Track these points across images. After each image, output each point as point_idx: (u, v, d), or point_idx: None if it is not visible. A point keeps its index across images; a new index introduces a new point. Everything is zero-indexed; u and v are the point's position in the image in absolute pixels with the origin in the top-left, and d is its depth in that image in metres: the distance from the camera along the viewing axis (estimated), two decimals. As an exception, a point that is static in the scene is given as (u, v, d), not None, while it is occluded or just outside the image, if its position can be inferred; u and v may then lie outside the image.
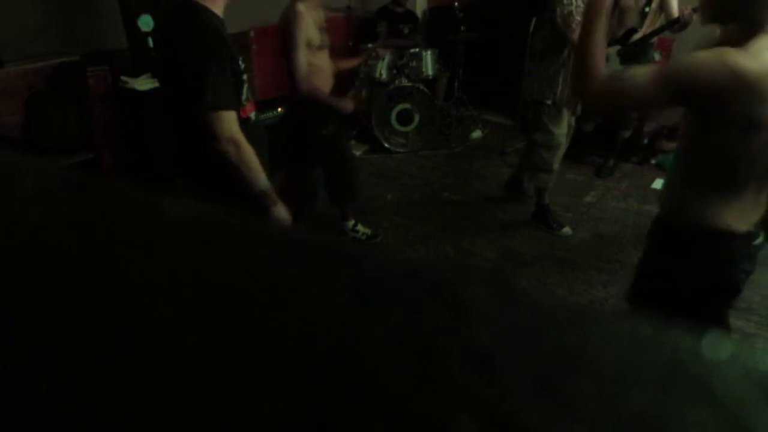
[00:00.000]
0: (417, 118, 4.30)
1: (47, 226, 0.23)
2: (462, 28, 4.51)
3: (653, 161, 4.09)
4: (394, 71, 4.23)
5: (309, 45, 2.39)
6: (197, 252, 0.22)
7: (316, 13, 2.46)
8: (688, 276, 1.38)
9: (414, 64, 4.25)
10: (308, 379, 0.16)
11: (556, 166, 3.04)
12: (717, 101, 1.19)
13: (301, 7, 2.36)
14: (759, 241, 1.37)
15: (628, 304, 1.63)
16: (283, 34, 2.40)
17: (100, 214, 0.24)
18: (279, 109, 3.83)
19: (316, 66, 2.45)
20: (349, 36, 4.61)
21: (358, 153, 4.33)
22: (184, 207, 0.24)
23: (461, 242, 3.08)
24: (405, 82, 4.20)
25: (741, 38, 1.18)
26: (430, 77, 4.36)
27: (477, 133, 4.69)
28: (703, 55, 1.19)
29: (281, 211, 1.71)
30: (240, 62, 1.65)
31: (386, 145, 4.31)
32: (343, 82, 2.70)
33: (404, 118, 4.29)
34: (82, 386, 0.16)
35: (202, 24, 1.56)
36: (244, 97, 1.67)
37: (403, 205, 3.51)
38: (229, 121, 1.57)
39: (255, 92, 4.09)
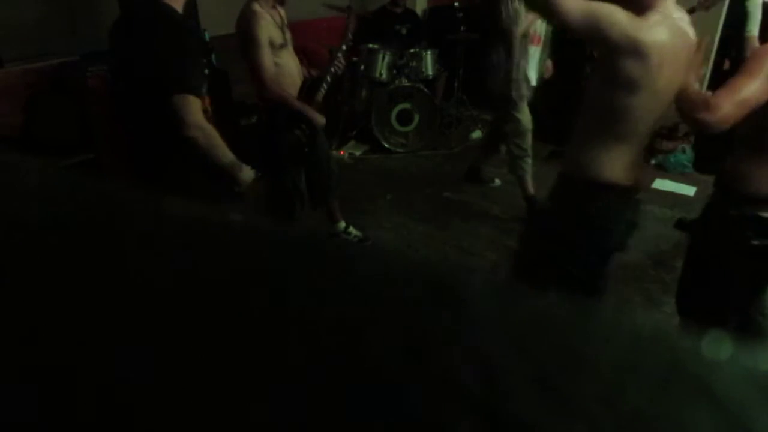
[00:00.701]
0: (417, 118, 4.29)
1: (47, 226, 0.23)
2: (462, 28, 4.51)
3: (653, 161, 4.10)
4: (394, 71, 4.23)
5: (271, 44, 2.32)
6: (197, 252, 0.22)
7: (275, 11, 2.39)
8: (579, 224, 1.55)
9: (414, 64, 4.25)
10: (308, 379, 0.16)
11: (530, 151, 3.30)
12: (609, 52, 1.38)
13: (256, 6, 2.28)
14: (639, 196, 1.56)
15: (521, 250, 1.81)
16: (243, 36, 2.31)
17: (100, 214, 0.24)
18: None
19: (281, 66, 2.38)
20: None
21: (357, 153, 4.33)
22: (183, 206, 0.24)
23: (461, 242, 3.08)
24: (405, 82, 4.20)
25: (638, 13, 1.36)
26: (430, 77, 4.36)
27: (477, 133, 4.69)
28: (622, 13, 1.36)
29: (247, 173, 1.81)
30: (203, 58, 1.76)
31: (386, 145, 4.31)
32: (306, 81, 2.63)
33: (404, 118, 4.29)
34: (82, 387, 0.16)
35: (171, 18, 1.67)
36: (204, 89, 1.75)
37: (403, 205, 3.51)
38: (195, 107, 1.66)
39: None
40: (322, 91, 2.54)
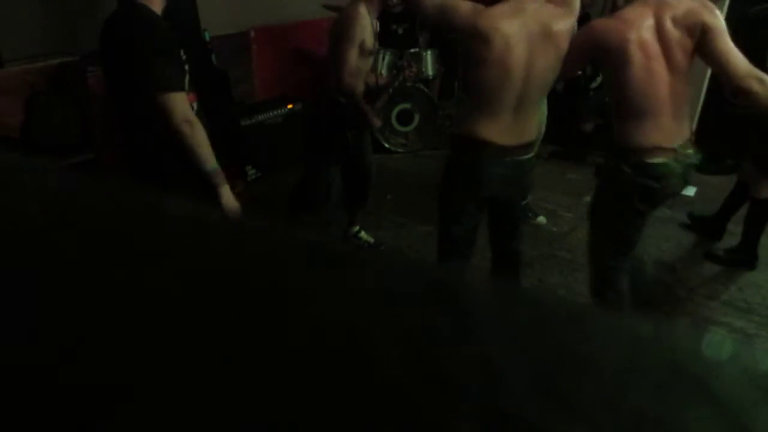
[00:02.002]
0: (417, 118, 4.29)
1: (47, 227, 0.23)
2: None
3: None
4: (394, 71, 4.22)
5: (362, 47, 2.39)
6: (199, 253, 0.22)
7: (376, 19, 2.47)
8: (456, 171, 1.92)
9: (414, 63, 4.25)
10: (309, 379, 0.16)
11: None
12: (460, 37, 1.80)
13: (363, 8, 2.36)
14: (527, 156, 1.86)
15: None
16: (339, 30, 2.39)
17: (100, 214, 0.24)
18: (289, 106, 3.82)
19: (360, 70, 2.46)
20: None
21: (357, 153, 4.34)
22: (185, 207, 0.24)
23: (461, 242, 3.08)
24: (405, 82, 4.19)
25: (488, 4, 1.71)
26: (431, 77, 4.36)
27: (477, 133, 4.68)
28: (466, 5, 1.70)
29: (228, 192, 1.80)
30: (182, 54, 1.75)
31: (386, 145, 4.31)
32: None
33: (404, 118, 4.28)
34: (82, 389, 0.16)
35: (147, 19, 1.70)
36: (186, 87, 1.75)
37: (403, 205, 3.50)
38: (181, 101, 1.68)
39: (256, 91, 4.09)
40: (384, 98, 2.62)
